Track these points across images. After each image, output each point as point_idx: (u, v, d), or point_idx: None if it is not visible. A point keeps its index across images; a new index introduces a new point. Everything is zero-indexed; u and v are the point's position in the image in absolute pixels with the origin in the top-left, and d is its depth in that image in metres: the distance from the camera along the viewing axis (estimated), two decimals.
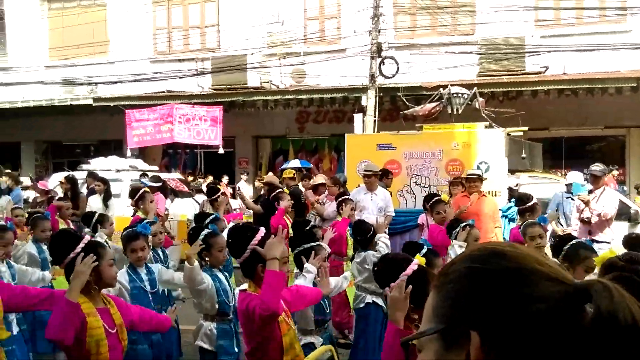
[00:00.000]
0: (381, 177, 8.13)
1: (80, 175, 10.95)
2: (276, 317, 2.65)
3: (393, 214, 7.80)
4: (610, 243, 6.42)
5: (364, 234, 4.90)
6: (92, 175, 9.95)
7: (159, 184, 8.96)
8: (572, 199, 7.33)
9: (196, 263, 3.71)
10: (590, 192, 6.53)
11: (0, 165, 13.98)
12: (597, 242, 6.45)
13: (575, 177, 7.54)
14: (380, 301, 4.76)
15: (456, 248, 4.55)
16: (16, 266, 4.43)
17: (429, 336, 0.80)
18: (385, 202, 7.67)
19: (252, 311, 2.59)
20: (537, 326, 0.73)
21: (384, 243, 4.70)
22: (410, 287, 2.30)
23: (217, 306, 3.76)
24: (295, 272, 4.06)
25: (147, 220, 5.40)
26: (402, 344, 0.86)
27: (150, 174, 10.12)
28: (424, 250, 3.71)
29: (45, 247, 5.19)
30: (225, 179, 15.69)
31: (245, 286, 4.02)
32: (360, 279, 4.70)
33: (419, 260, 2.66)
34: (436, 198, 6.39)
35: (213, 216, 5.57)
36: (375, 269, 2.75)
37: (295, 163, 14.05)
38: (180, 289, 4.68)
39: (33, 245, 5.20)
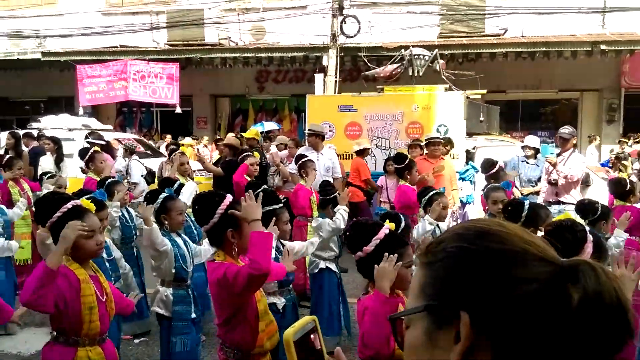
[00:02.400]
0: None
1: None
2: (266, 277, 2.57)
3: (340, 176, 7.76)
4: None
5: (326, 194, 4.94)
6: (42, 135, 9.59)
7: (103, 143, 8.68)
8: (527, 163, 7.52)
9: (154, 225, 3.66)
10: (558, 154, 6.68)
11: None
12: (564, 203, 6.62)
13: (532, 140, 7.74)
14: (333, 266, 4.83)
15: (426, 225, 4.53)
16: None
17: (417, 313, 0.81)
18: (333, 163, 7.60)
19: (234, 276, 2.50)
20: (527, 307, 0.74)
21: (341, 215, 4.69)
22: (400, 263, 2.34)
23: (174, 271, 3.72)
24: None
25: (111, 180, 5.26)
26: (389, 319, 0.86)
27: (100, 133, 9.80)
28: (403, 223, 3.76)
29: None
30: (187, 139, 15.33)
31: (200, 249, 4.02)
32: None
33: (389, 225, 2.69)
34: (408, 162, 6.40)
35: (178, 183, 5.43)
36: (347, 234, 2.77)
37: (270, 125, 13.71)
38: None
39: None
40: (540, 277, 0.75)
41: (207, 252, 4.01)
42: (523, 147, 7.78)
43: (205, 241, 4.06)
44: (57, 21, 16.10)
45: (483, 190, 5.19)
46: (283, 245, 3.92)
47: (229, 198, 2.82)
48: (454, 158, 8.46)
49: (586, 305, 0.73)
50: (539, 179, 7.37)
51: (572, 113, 15.70)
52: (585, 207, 4.33)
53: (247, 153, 6.43)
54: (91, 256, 2.81)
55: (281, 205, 4.08)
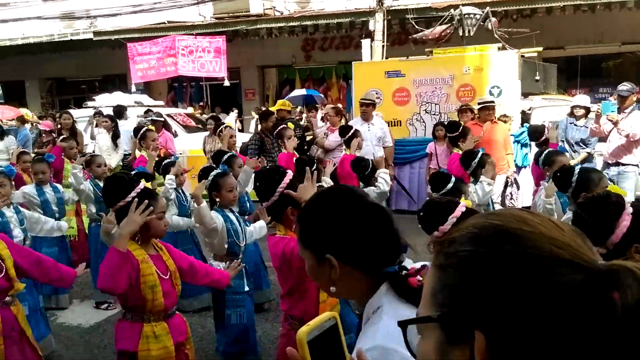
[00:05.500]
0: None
1: (86, 113, 10.87)
2: None
3: (391, 144, 7.64)
4: (638, 166, 6.28)
5: (362, 171, 4.78)
6: (99, 113, 9.85)
7: (162, 120, 8.85)
8: (575, 125, 7.14)
9: (203, 203, 3.67)
10: (617, 112, 6.31)
11: (5, 104, 13.90)
12: (624, 164, 6.31)
13: (583, 99, 7.36)
14: None
15: (485, 186, 4.36)
16: (27, 213, 4.37)
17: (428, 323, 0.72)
18: (384, 132, 7.49)
19: (290, 253, 2.57)
20: (555, 324, 0.61)
21: (383, 179, 4.55)
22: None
23: (226, 246, 3.75)
24: None
25: (168, 161, 5.37)
26: (399, 324, 0.77)
27: (155, 110, 9.97)
28: (451, 183, 3.68)
29: (46, 190, 5.16)
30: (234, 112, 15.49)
31: (252, 230, 4.04)
32: None
33: (466, 203, 2.64)
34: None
35: (229, 154, 5.49)
36: (421, 214, 2.69)
37: (301, 92, 13.74)
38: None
39: (33, 187, 5.13)
40: (568, 286, 0.62)
41: (259, 231, 4.03)
42: (573, 107, 7.36)
43: (257, 225, 4.08)
44: (106, 0, 16.39)
45: (539, 156, 4.90)
46: None
47: (289, 176, 2.82)
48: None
49: (629, 316, 0.58)
50: (584, 142, 7.02)
51: (636, 68, 14.75)
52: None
53: (282, 126, 6.34)
54: (159, 236, 2.90)
55: (322, 182, 4.04)
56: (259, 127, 11.29)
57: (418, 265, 1.23)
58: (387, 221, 1.35)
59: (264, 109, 9.08)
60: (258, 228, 4.07)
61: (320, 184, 3.98)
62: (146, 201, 2.72)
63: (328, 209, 1.36)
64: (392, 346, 1.11)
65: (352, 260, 1.29)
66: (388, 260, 1.27)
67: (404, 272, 1.21)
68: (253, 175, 4.59)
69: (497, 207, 5.69)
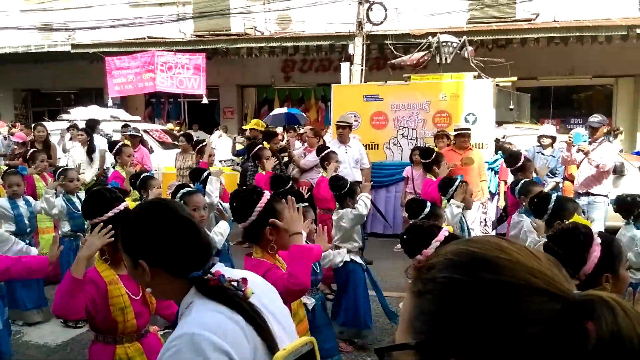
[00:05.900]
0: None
1: (61, 125, 10.71)
2: (305, 291, 2.64)
3: (368, 166, 7.74)
4: (607, 196, 6.42)
5: (339, 189, 4.80)
6: (74, 126, 9.71)
7: (139, 135, 8.78)
8: (543, 154, 7.33)
9: None
10: (589, 143, 6.47)
11: None
12: (594, 194, 6.43)
13: (549, 129, 7.59)
14: (358, 258, 4.69)
15: (453, 208, 4.45)
16: None
17: (405, 350, 0.72)
18: (361, 154, 7.59)
19: (274, 283, 2.53)
20: (530, 354, 0.63)
21: (363, 202, 4.58)
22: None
23: None
24: None
25: (145, 175, 5.32)
26: (376, 351, 0.78)
27: (132, 125, 9.88)
28: (427, 208, 3.76)
29: (20, 203, 5.06)
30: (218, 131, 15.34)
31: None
32: (337, 237, 4.62)
33: (448, 229, 2.69)
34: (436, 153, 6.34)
35: (207, 172, 5.47)
36: (405, 237, 2.70)
37: (282, 111, 13.77)
38: None
39: (6, 200, 5.02)
40: (546, 315, 0.63)
41: (225, 232, 3.94)
42: (540, 137, 7.55)
43: (219, 229, 4.02)
44: (86, 13, 16.30)
45: (515, 185, 4.98)
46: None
47: (266, 196, 2.77)
48: (482, 147, 8.29)
49: (601, 348, 0.60)
50: (552, 171, 7.19)
51: (606, 100, 15.23)
52: (626, 204, 4.11)
53: (259, 146, 6.33)
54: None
55: (307, 204, 4.02)
56: (236, 146, 11.30)
57: (222, 270, 1.43)
58: (194, 232, 1.51)
59: (245, 127, 9.04)
60: (223, 230, 4.08)
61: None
62: (110, 225, 2.64)
63: (140, 219, 1.53)
64: (200, 331, 1.25)
65: (161, 264, 1.46)
66: (195, 266, 1.43)
67: (208, 275, 1.38)
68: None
69: (473, 233, 5.74)
